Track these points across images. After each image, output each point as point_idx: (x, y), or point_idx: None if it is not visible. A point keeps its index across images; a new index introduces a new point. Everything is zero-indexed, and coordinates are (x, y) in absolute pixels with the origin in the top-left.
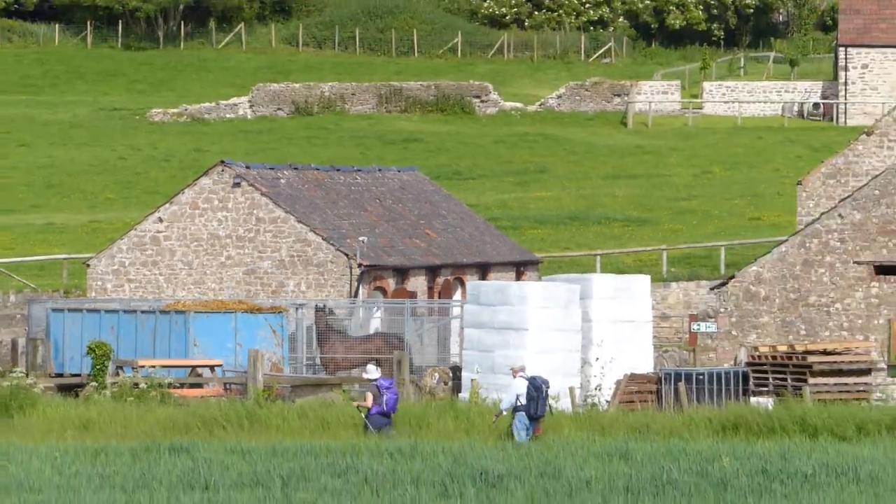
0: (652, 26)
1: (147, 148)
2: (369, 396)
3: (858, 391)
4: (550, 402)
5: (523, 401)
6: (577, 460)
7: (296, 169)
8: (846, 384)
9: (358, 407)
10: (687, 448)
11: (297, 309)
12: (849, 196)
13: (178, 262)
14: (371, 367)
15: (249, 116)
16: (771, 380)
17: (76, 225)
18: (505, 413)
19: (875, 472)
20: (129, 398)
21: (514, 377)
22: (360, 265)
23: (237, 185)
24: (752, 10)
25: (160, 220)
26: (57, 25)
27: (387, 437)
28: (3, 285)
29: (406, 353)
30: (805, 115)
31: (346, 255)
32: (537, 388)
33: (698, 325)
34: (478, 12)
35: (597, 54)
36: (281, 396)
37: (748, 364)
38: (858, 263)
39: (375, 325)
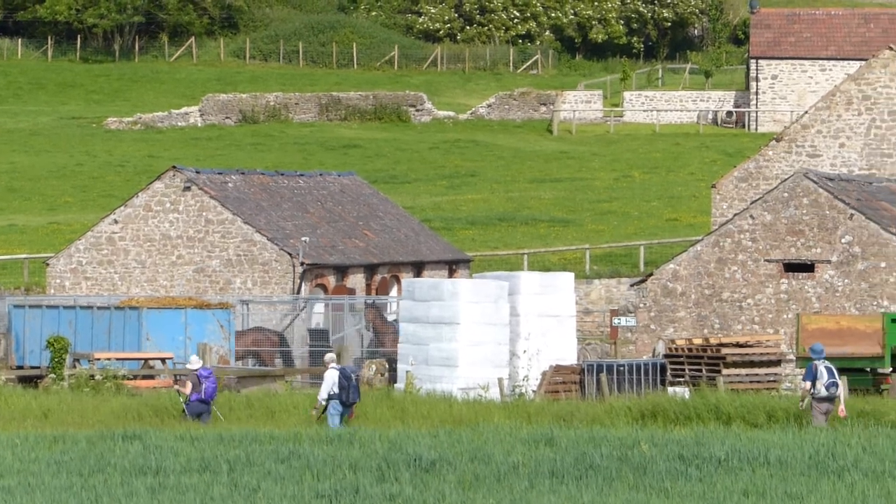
0: (576, 40)
1: (103, 154)
2: (188, 384)
3: (769, 381)
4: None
5: (336, 390)
6: (506, 446)
7: (243, 174)
8: (757, 375)
9: (178, 392)
10: (608, 435)
11: (243, 305)
12: (759, 198)
13: (132, 261)
14: (194, 357)
15: (199, 125)
16: (687, 371)
17: (36, 226)
18: (322, 403)
19: (784, 457)
20: (85, 389)
21: (327, 369)
22: (302, 264)
23: (188, 188)
24: (669, 25)
25: (115, 221)
26: (19, 40)
27: (204, 423)
28: None
29: (283, 346)
30: (719, 122)
31: (290, 254)
32: (347, 378)
33: (619, 319)
34: (413, 27)
35: (524, 66)
36: (228, 387)
37: (666, 356)
38: (769, 261)
39: (317, 320)
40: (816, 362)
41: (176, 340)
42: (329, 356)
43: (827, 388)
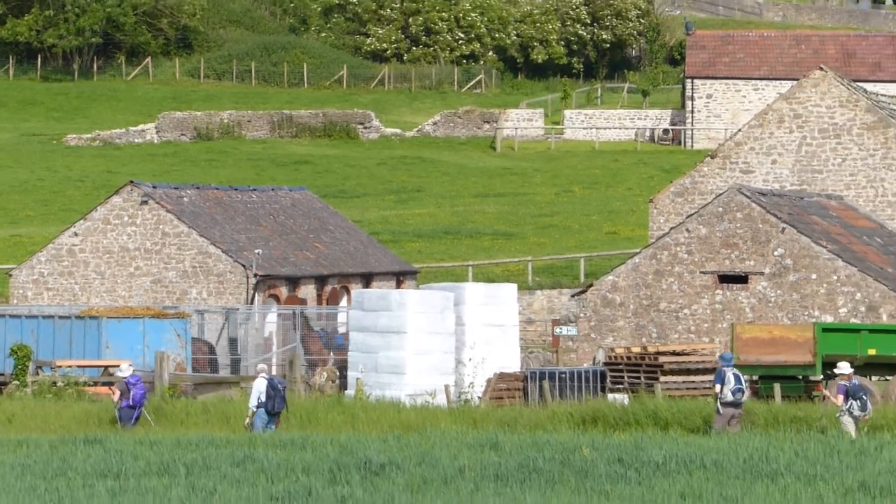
0: (518, 60)
1: (63, 170)
2: (117, 392)
3: (705, 388)
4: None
5: (263, 399)
6: (452, 450)
7: (198, 188)
8: (693, 381)
9: (112, 400)
10: (551, 439)
11: (199, 314)
12: (695, 213)
13: (92, 272)
14: (123, 365)
15: (156, 141)
16: (626, 378)
17: None
18: (253, 410)
19: (719, 461)
20: (47, 395)
21: (257, 378)
22: (255, 275)
23: (145, 203)
24: (608, 46)
25: (75, 234)
26: None
27: (132, 427)
28: None
29: (211, 355)
30: (656, 139)
31: (244, 265)
32: (274, 388)
33: (560, 328)
34: (361, 48)
35: (468, 85)
36: (185, 393)
37: (605, 364)
38: (704, 273)
39: (270, 328)
40: (725, 369)
41: (134, 349)
42: (261, 366)
43: (733, 394)
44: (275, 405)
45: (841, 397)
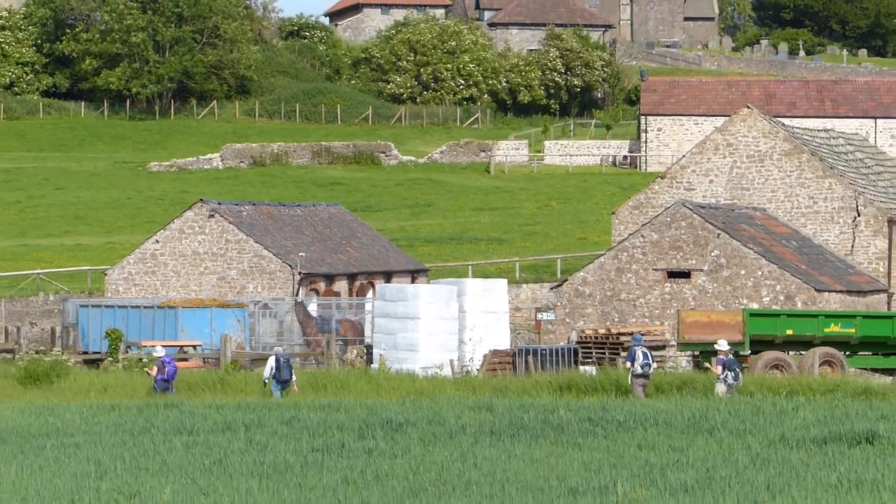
0: (508, 101)
1: (147, 190)
2: (154, 368)
3: (656, 361)
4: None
5: (274, 371)
6: (456, 412)
7: (253, 205)
8: None
9: (147, 373)
10: (534, 403)
11: (255, 304)
12: (648, 222)
13: (170, 271)
14: (158, 347)
15: (220, 167)
16: (594, 354)
17: (97, 245)
18: (266, 380)
19: (668, 419)
20: (135, 369)
21: (271, 355)
22: (299, 273)
23: (212, 216)
24: (578, 90)
25: (157, 241)
26: (82, 103)
27: (169, 396)
28: (45, 288)
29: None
30: (617, 164)
31: (290, 266)
32: (279, 362)
33: (542, 314)
34: (383, 92)
35: (468, 122)
36: (244, 367)
37: (577, 342)
38: (655, 270)
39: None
40: (636, 347)
41: (204, 332)
42: (277, 349)
43: (642, 367)
44: (281, 375)
45: (720, 368)
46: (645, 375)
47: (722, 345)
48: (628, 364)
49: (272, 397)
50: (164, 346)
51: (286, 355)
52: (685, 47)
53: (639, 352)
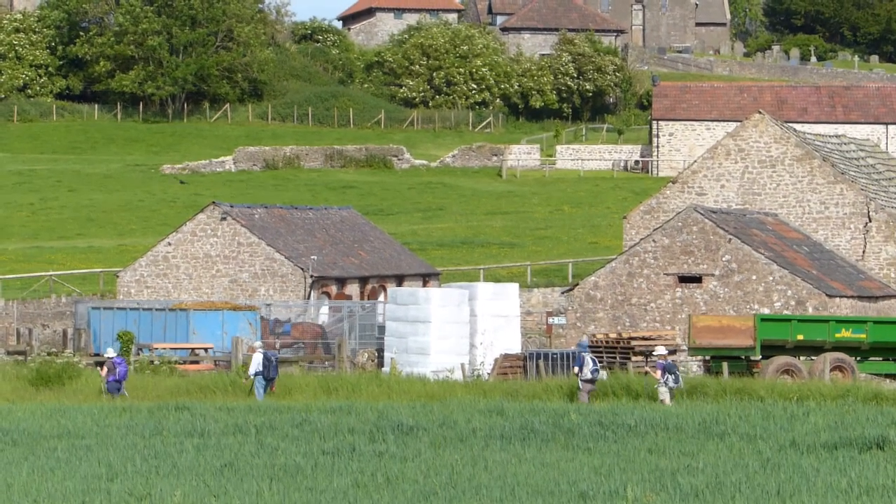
0: (520, 106)
1: (160, 193)
2: (105, 369)
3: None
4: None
5: (260, 368)
6: (467, 415)
7: (266, 208)
8: None
9: (99, 374)
10: (545, 406)
11: (267, 307)
12: (660, 227)
13: (182, 274)
14: (110, 349)
15: (233, 170)
16: (605, 358)
17: (109, 247)
18: (252, 377)
19: (679, 424)
20: (146, 371)
21: (254, 353)
22: (311, 276)
23: (224, 219)
24: (590, 94)
25: (169, 244)
26: (96, 105)
27: (120, 398)
28: (57, 290)
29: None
30: (628, 169)
31: (302, 269)
32: (268, 360)
33: (553, 318)
34: (396, 96)
35: (480, 126)
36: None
37: (589, 347)
38: (667, 275)
39: (323, 319)
40: (584, 354)
41: (215, 335)
42: (257, 343)
43: (591, 373)
44: (269, 372)
45: (659, 372)
46: (592, 381)
47: (660, 350)
48: (576, 370)
49: (253, 394)
50: (172, 349)
51: (274, 353)
52: (697, 53)
53: (587, 358)
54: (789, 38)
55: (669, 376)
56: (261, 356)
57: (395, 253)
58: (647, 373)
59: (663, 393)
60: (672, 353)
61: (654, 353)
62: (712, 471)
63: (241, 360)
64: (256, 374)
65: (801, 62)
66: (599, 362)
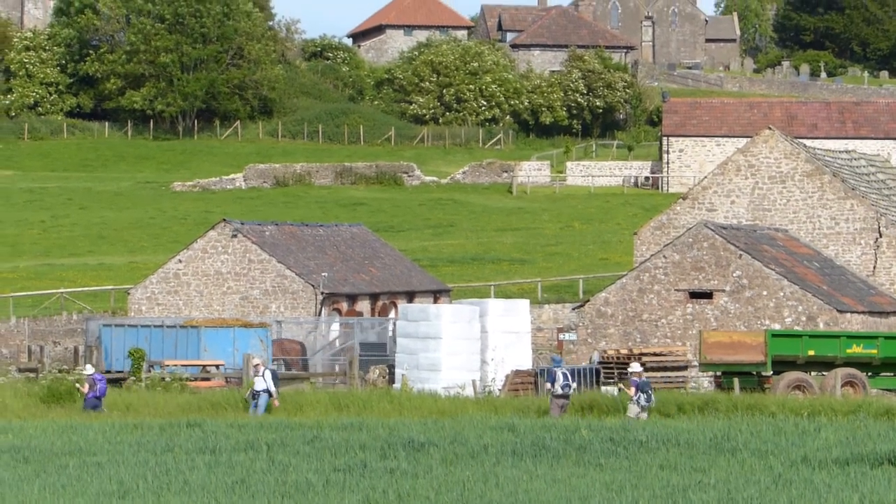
0: (530, 122)
1: (170, 210)
2: (86, 385)
3: (678, 382)
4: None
5: (272, 386)
6: (478, 431)
7: (276, 225)
8: (669, 376)
9: (79, 391)
10: (556, 423)
11: (278, 324)
12: (670, 243)
13: (193, 291)
14: (88, 366)
15: (243, 187)
16: (616, 374)
17: (120, 265)
18: (264, 392)
19: (690, 440)
20: (158, 388)
21: (261, 370)
22: (322, 293)
23: (235, 236)
24: (600, 111)
25: (180, 261)
26: (106, 123)
27: (99, 414)
28: (68, 307)
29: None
30: (639, 185)
31: (313, 285)
32: (274, 375)
33: (564, 335)
34: (406, 113)
35: (490, 142)
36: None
37: (599, 363)
38: (677, 291)
39: (333, 335)
40: (556, 369)
41: (226, 351)
42: (255, 360)
43: (562, 388)
44: (271, 388)
45: (633, 389)
46: (565, 396)
47: (635, 367)
48: (548, 385)
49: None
50: (183, 366)
51: (274, 370)
52: (707, 69)
53: (559, 373)
54: (799, 54)
55: (642, 394)
56: (270, 374)
57: (405, 269)
58: (621, 389)
59: (632, 410)
60: (683, 368)
61: (628, 370)
62: (724, 487)
63: (252, 376)
64: (263, 391)
65: (810, 78)
66: (610, 379)
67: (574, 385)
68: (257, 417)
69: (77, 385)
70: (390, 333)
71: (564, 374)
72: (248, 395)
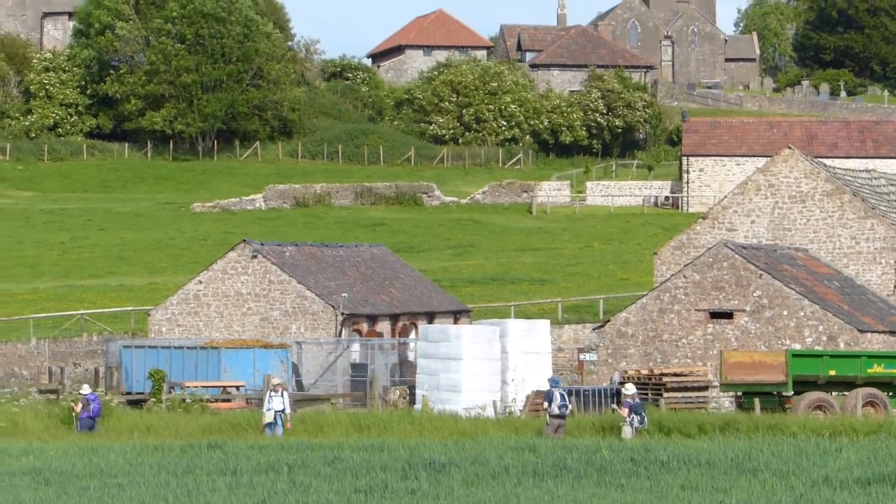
0: (549, 142)
1: (190, 231)
2: (79, 405)
3: (699, 402)
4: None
5: (287, 407)
6: (499, 452)
7: (296, 245)
8: (690, 397)
9: (72, 412)
10: (577, 443)
11: (298, 345)
12: (690, 263)
13: (213, 312)
14: (85, 386)
15: (263, 208)
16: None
17: (140, 286)
18: (275, 411)
19: (711, 460)
20: (178, 409)
21: (280, 390)
22: (342, 314)
23: (255, 256)
24: (620, 130)
25: (200, 282)
26: (126, 144)
27: (95, 433)
28: (88, 329)
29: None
30: (659, 204)
31: (333, 306)
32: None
33: (584, 355)
34: (425, 133)
35: (510, 162)
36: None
37: (620, 383)
38: (698, 311)
39: (354, 356)
40: (553, 389)
41: (247, 373)
42: (276, 380)
43: (559, 408)
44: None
45: (626, 410)
46: (562, 416)
47: (629, 389)
48: (545, 405)
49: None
50: (203, 387)
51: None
52: (726, 88)
53: (556, 393)
54: (819, 74)
55: (635, 416)
56: (287, 395)
57: (425, 290)
58: (614, 410)
59: (626, 431)
60: (703, 388)
61: (622, 391)
62: None
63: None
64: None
65: (830, 97)
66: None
67: (571, 406)
68: (278, 438)
69: (72, 404)
70: (410, 354)
71: (562, 395)
72: (268, 422)
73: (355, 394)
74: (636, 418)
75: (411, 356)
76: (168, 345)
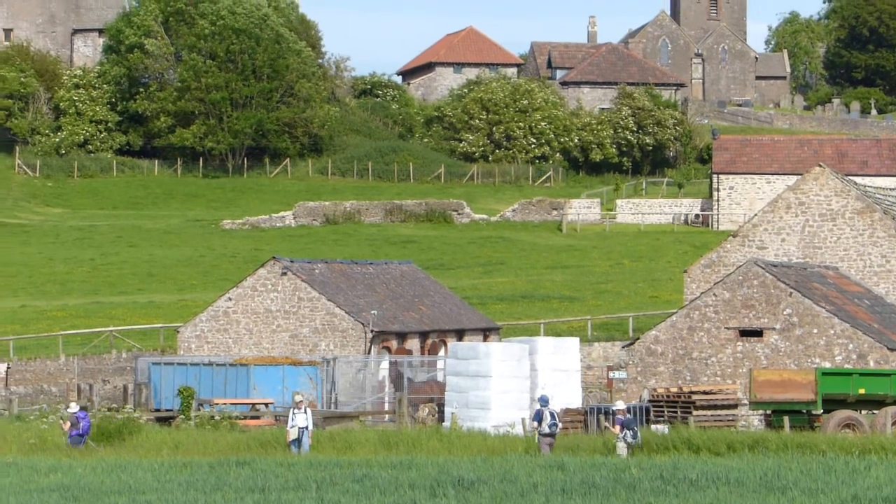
0: (580, 160)
1: (220, 248)
2: (68, 423)
3: (728, 420)
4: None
5: (310, 424)
6: (528, 470)
7: (326, 263)
8: (720, 415)
9: (62, 430)
10: (606, 461)
11: (327, 362)
12: (720, 281)
13: (242, 329)
14: (73, 404)
15: (293, 225)
16: (666, 412)
17: (169, 303)
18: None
19: (741, 478)
20: (207, 426)
21: (301, 408)
22: (372, 331)
23: (284, 274)
24: (650, 148)
25: (230, 299)
26: (156, 161)
27: (85, 451)
28: (117, 346)
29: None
30: (689, 222)
31: (362, 323)
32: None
33: (614, 373)
34: (455, 150)
35: (540, 180)
36: (316, 425)
37: (649, 401)
38: (728, 329)
39: (383, 373)
40: (543, 408)
41: (276, 390)
42: (298, 397)
43: (549, 427)
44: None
45: (618, 427)
46: (552, 435)
47: (619, 405)
48: (535, 424)
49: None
50: (232, 404)
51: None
52: (757, 106)
53: (546, 412)
54: (849, 92)
55: (628, 432)
56: (310, 412)
57: (455, 307)
58: (606, 428)
59: (621, 448)
60: (733, 406)
61: (613, 408)
62: None
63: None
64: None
65: (861, 115)
66: (659, 417)
67: (560, 425)
68: (306, 456)
69: (60, 422)
70: (440, 373)
71: (552, 414)
72: (292, 439)
73: (385, 411)
74: (629, 434)
75: (411, 373)
76: (197, 362)
